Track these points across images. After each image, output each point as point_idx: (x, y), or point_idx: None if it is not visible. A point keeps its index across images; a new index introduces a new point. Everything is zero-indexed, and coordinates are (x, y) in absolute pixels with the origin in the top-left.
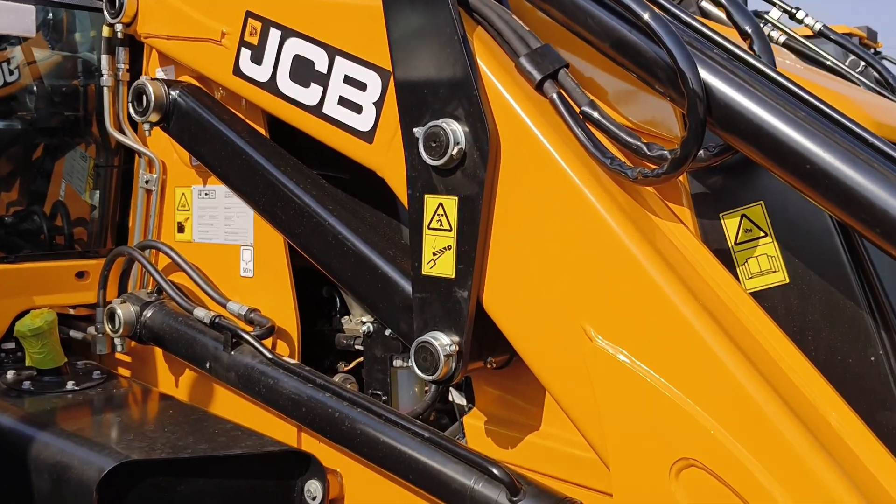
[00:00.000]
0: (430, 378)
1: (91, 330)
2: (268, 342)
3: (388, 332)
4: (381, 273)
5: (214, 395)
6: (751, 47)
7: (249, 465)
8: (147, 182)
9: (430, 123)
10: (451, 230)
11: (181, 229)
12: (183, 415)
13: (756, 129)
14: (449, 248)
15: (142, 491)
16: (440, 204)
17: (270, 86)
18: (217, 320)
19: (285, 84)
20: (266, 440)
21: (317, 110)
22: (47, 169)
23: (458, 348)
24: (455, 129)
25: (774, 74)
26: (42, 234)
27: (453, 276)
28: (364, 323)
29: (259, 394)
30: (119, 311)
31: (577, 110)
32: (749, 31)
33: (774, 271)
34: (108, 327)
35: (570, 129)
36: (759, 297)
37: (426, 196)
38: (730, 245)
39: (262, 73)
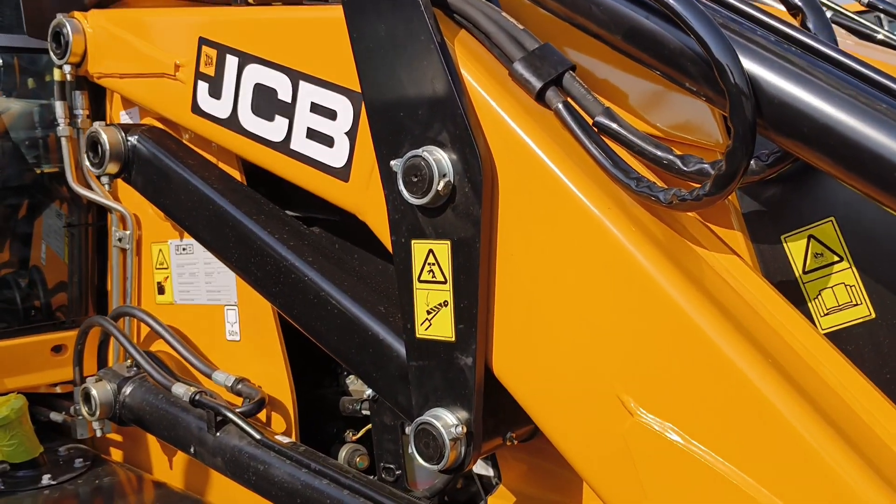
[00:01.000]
0: (435, 467)
1: (72, 411)
2: (261, 415)
3: None
4: (372, 336)
5: (211, 478)
6: (804, 24)
7: None
8: (120, 240)
9: (410, 154)
10: (446, 282)
11: (161, 290)
12: None
13: (823, 130)
14: (445, 304)
15: None
16: (430, 251)
17: (232, 122)
18: (197, 397)
19: (248, 119)
20: None
21: (284, 147)
22: (25, 231)
23: (465, 429)
24: (439, 159)
25: (840, 57)
26: (16, 305)
27: (453, 339)
28: None
29: (249, 482)
30: (94, 392)
31: (590, 121)
32: (800, 3)
33: (856, 304)
34: (84, 410)
35: (582, 147)
36: (839, 338)
37: (413, 242)
38: (797, 274)
39: (222, 108)
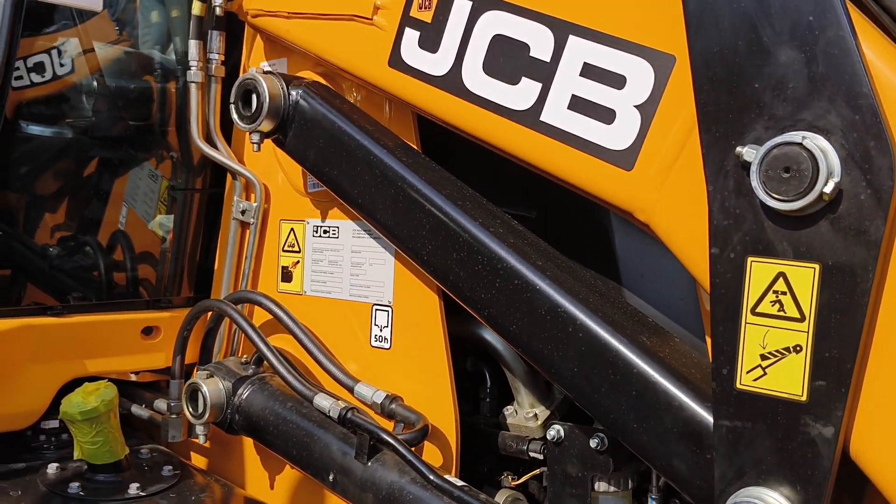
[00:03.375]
0: None
1: (161, 407)
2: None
3: (592, 442)
4: (638, 375)
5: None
6: None
7: None
8: (244, 212)
9: (778, 140)
10: (803, 320)
11: (287, 277)
12: None
13: None
14: (797, 349)
15: None
16: (781, 275)
17: (451, 82)
18: (349, 415)
19: (476, 79)
20: None
21: (530, 118)
22: (104, 189)
23: None
24: (826, 150)
25: None
26: (97, 272)
27: (804, 398)
28: (544, 420)
29: None
30: (205, 390)
31: None
32: None
33: None
34: (188, 410)
35: None
36: None
37: (751, 260)
38: None
39: (437, 63)
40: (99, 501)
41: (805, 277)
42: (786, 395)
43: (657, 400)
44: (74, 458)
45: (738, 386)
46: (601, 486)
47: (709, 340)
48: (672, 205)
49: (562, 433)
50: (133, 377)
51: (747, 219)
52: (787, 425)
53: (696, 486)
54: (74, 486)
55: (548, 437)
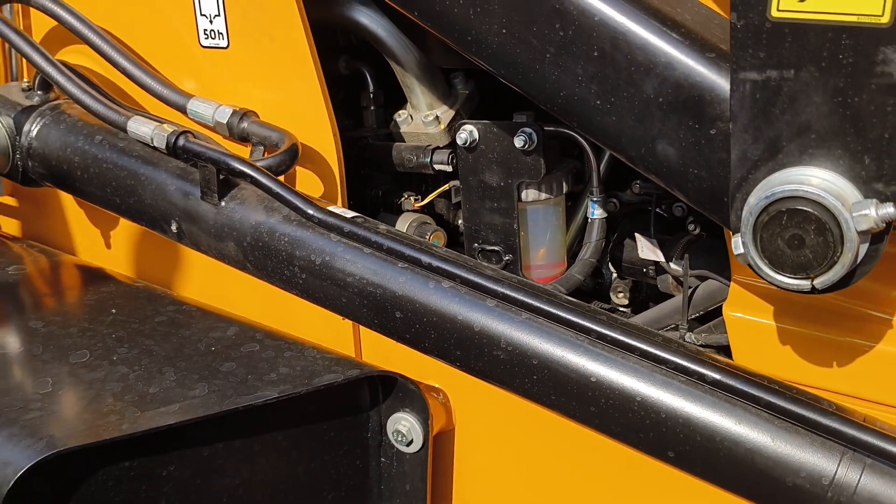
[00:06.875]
0: (800, 282)
1: None
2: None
3: (517, 141)
4: (601, 25)
5: (182, 262)
6: None
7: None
8: None
9: None
10: None
11: None
12: (138, 315)
13: None
14: None
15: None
16: None
17: None
18: (182, 141)
19: None
20: (312, 356)
21: None
22: None
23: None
24: None
25: None
26: None
27: (886, 22)
28: (448, 122)
29: (292, 281)
30: None
31: None
32: None
33: None
34: None
35: None
36: None
37: None
38: None
39: None
40: None
41: None
42: (854, 20)
43: (631, 59)
44: None
45: (774, 14)
46: (530, 194)
47: None
48: None
49: (475, 134)
50: None
51: None
52: (855, 66)
53: (691, 177)
54: None
55: (457, 141)
